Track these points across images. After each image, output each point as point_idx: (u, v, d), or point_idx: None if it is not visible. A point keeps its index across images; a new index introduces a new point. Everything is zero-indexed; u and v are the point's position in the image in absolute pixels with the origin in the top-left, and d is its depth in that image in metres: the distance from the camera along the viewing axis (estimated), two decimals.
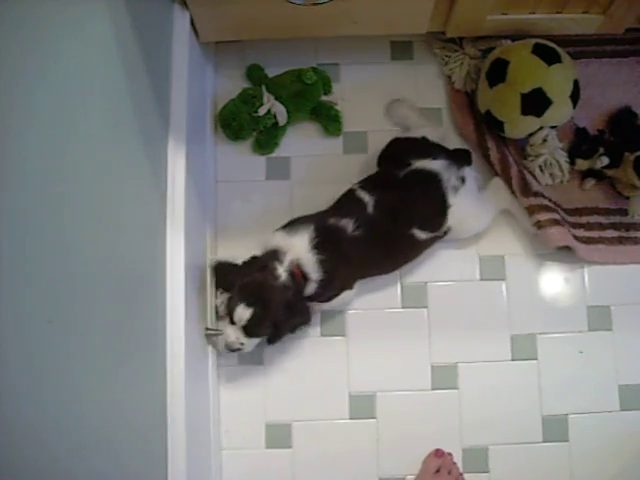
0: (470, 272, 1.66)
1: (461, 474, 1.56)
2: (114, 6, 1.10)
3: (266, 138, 1.69)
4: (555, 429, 1.60)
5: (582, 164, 1.66)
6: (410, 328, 1.63)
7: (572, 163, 1.67)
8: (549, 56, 1.54)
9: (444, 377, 1.61)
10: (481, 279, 1.66)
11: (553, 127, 1.62)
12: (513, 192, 1.64)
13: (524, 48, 1.56)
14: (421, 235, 1.50)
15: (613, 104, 1.73)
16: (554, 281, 1.67)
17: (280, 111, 1.64)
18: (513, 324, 1.63)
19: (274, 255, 1.42)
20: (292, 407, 1.59)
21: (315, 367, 1.61)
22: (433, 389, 1.61)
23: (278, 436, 1.58)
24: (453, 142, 1.68)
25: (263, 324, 1.40)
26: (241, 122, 1.64)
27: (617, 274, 1.66)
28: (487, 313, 1.65)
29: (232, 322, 1.41)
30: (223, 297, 1.54)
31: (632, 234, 1.65)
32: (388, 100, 1.74)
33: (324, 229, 1.45)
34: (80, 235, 0.93)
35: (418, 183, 1.51)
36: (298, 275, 1.41)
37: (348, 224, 1.45)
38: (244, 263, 1.49)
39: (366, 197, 1.48)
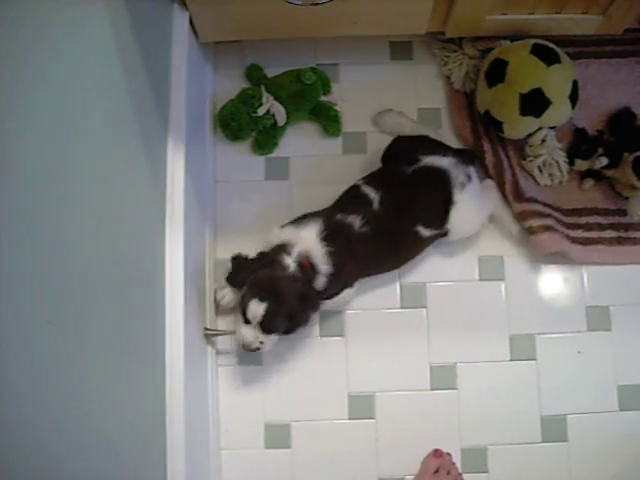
0: (469, 272, 1.66)
1: (460, 474, 1.56)
2: (113, 6, 1.10)
3: (265, 138, 1.69)
4: (554, 429, 1.60)
5: (581, 164, 1.67)
6: (409, 328, 1.63)
7: (571, 163, 1.67)
8: (548, 56, 1.54)
9: (443, 377, 1.61)
10: (480, 279, 1.66)
11: (552, 127, 1.62)
12: (506, 197, 1.65)
13: (523, 48, 1.56)
14: (425, 232, 1.50)
15: (612, 104, 1.74)
16: (553, 281, 1.67)
17: (279, 111, 1.64)
18: (512, 324, 1.64)
19: (281, 248, 1.42)
20: (291, 407, 1.59)
21: (314, 367, 1.61)
22: (432, 389, 1.61)
23: (277, 436, 1.58)
24: (451, 143, 1.67)
25: (278, 317, 1.38)
26: (240, 122, 1.64)
27: (616, 274, 1.66)
28: (486, 313, 1.65)
29: (246, 321, 1.39)
30: (224, 291, 1.54)
31: (631, 234, 1.66)
32: (388, 100, 1.73)
33: (333, 223, 1.45)
34: (80, 235, 0.93)
35: (427, 179, 1.51)
36: (307, 266, 1.40)
37: (355, 220, 1.45)
38: (252, 260, 1.47)
39: (372, 193, 1.48)
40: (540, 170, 1.66)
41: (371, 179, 1.53)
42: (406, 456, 1.58)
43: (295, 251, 1.40)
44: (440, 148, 1.57)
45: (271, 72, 1.71)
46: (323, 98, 1.72)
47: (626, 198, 1.66)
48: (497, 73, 1.57)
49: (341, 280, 1.47)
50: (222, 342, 1.60)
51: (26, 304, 0.76)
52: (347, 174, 1.65)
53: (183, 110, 1.41)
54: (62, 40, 0.90)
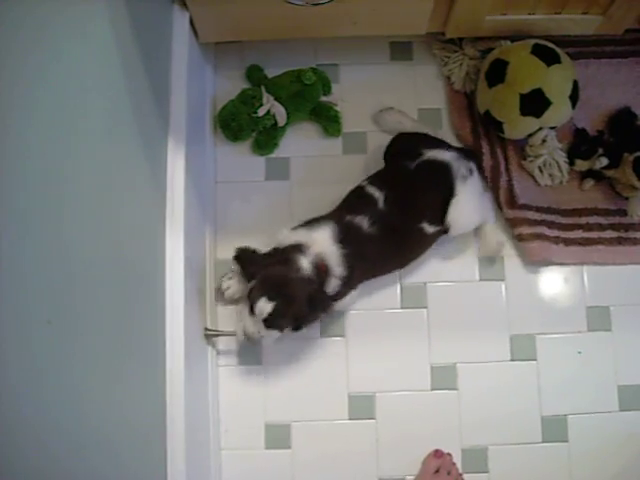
0: (469, 273, 1.66)
1: (460, 474, 1.56)
2: (114, 6, 1.10)
3: (265, 139, 1.69)
4: (554, 429, 1.60)
5: (581, 165, 1.67)
6: (409, 329, 1.63)
7: (571, 164, 1.67)
8: (548, 57, 1.54)
9: (443, 377, 1.61)
10: (480, 280, 1.66)
11: (552, 128, 1.62)
12: (499, 202, 1.66)
13: (523, 49, 1.56)
14: (429, 229, 1.50)
15: (612, 105, 1.74)
16: (553, 281, 1.67)
17: (279, 112, 1.64)
18: (512, 324, 1.64)
19: (296, 249, 1.40)
20: (291, 407, 1.59)
21: (314, 367, 1.61)
22: (432, 389, 1.61)
23: (277, 436, 1.58)
24: (451, 143, 1.68)
25: (284, 319, 1.37)
26: (240, 123, 1.64)
27: (616, 275, 1.66)
28: (486, 314, 1.65)
29: (252, 312, 1.38)
30: (230, 282, 1.53)
31: (631, 235, 1.66)
32: (388, 100, 1.73)
33: (345, 225, 1.44)
34: (80, 235, 0.93)
35: (431, 173, 1.51)
36: (322, 268, 1.39)
37: (363, 221, 1.44)
38: (265, 254, 1.45)
39: (376, 193, 1.47)
40: (540, 170, 1.66)
41: (375, 179, 1.53)
42: (406, 456, 1.58)
43: (312, 252, 1.39)
44: (442, 143, 1.58)
45: (271, 72, 1.71)
46: (323, 98, 1.72)
47: (626, 198, 1.66)
48: (497, 73, 1.57)
49: (350, 283, 1.46)
50: (222, 342, 1.60)
51: (26, 304, 0.76)
52: (347, 174, 1.66)
53: (183, 110, 1.41)
54: (62, 40, 0.90)
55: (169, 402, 1.26)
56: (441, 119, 1.76)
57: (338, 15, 1.45)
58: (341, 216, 1.46)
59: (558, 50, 1.56)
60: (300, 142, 1.73)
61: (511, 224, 1.65)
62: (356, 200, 1.51)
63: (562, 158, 1.65)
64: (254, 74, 1.72)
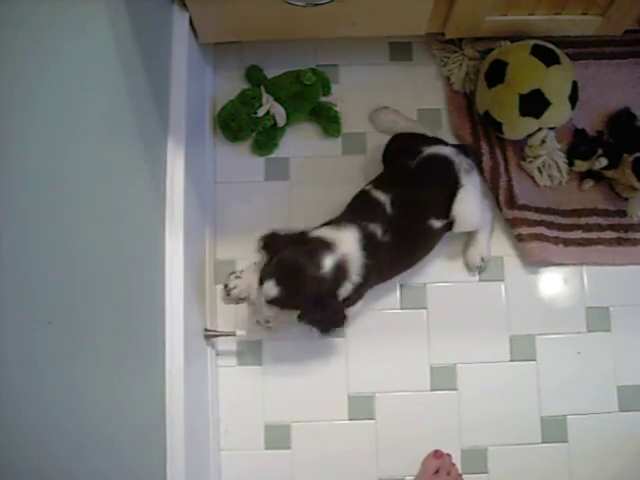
0: (469, 273, 1.66)
1: (460, 475, 1.56)
2: (113, 6, 1.10)
3: (265, 139, 1.69)
4: (554, 430, 1.60)
5: (581, 165, 1.67)
6: (409, 329, 1.63)
7: (571, 164, 1.67)
8: (548, 57, 1.54)
9: (443, 378, 1.61)
10: (480, 280, 1.66)
11: (552, 128, 1.62)
12: (498, 203, 1.66)
13: (523, 49, 1.56)
14: (436, 224, 1.48)
15: (612, 105, 1.74)
16: (553, 282, 1.67)
17: (279, 112, 1.64)
18: (512, 325, 1.64)
19: (326, 245, 1.36)
20: (291, 408, 1.59)
21: (314, 368, 1.61)
22: (432, 390, 1.61)
23: (277, 437, 1.58)
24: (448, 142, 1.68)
25: (285, 307, 1.36)
26: (240, 123, 1.64)
27: (616, 275, 1.66)
28: (486, 314, 1.65)
29: (260, 287, 1.35)
30: (237, 282, 1.53)
31: (631, 235, 1.66)
32: (387, 101, 1.73)
33: (365, 232, 1.40)
34: (79, 236, 0.93)
35: (433, 167, 1.50)
36: (342, 271, 1.35)
37: (377, 229, 1.41)
38: (292, 235, 1.41)
39: (382, 197, 1.45)
40: (540, 171, 1.66)
41: (379, 182, 1.51)
42: (406, 457, 1.58)
43: (338, 252, 1.35)
44: (439, 140, 1.58)
45: (271, 73, 1.71)
46: (323, 99, 1.72)
47: (626, 199, 1.66)
48: (497, 74, 1.57)
49: (360, 290, 1.43)
50: (222, 343, 1.60)
51: (26, 304, 0.76)
52: (347, 175, 1.66)
53: (183, 111, 1.40)
54: (62, 40, 0.90)
55: (169, 402, 1.25)
56: (440, 119, 1.76)
57: (338, 16, 1.45)
58: (359, 222, 1.41)
59: (558, 51, 1.56)
60: (300, 142, 1.73)
61: (510, 224, 1.65)
62: (366, 206, 1.47)
63: (561, 159, 1.66)
64: (254, 74, 1.72)
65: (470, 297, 1.65)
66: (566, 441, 1.60)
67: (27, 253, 0.77)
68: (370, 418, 1.60)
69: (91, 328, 0.95)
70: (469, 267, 1.65)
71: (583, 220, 1.67)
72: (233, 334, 1.53)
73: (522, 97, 1.54)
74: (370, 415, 1.60)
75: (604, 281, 1.66)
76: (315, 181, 1.70)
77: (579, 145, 1.67)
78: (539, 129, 1.60)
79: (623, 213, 1.67)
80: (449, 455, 1.57)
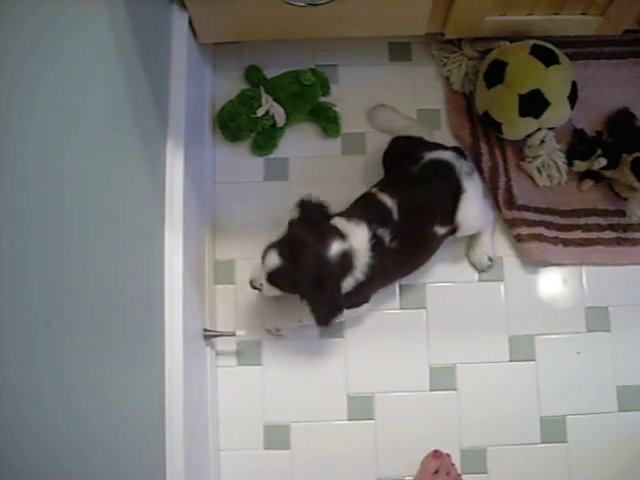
0: (468, 273, 1.67)
1: (459, 475, 1.56)
2: (113, 7, 1.10)
3: (264, 139, 1.69)
4: (553, 430, 1.60)
5: (580, 165, 1.67)
6: (408, 329, 1.63)
7: (570, 164, 1.67)
8: (547, 57, 1.54)
9: (442, 378, 1.61)
10: (479, 280, 1.66)
11: (551, 128, 1.63)
12: (497, 203, 1.66)
13: (522, 49, 1.56)
14: (440, 230, 1.48)
15: (611, 105, 1.74)
16: (552, 282, 1.67)
17: (278, 112, 1.64)
18: (511, 325, 1.64)
19: (339, 233, 1.36)
20: (290, 408, 1.59)
21: (313, 368, 1.61)
22: (431, 390, 1.61)
23: (276, 437, 1.58)
24: (450, 144, 1.67)
25: (283, 281, 1.35)
26: (239, 123, 1.64)
27: (615, 275, 1.66)
28: (485, 314, 1.65)
29: (263, 259, 1.35)
30: (257, 271, 1.50)
31: (630, 235, 1.66)
32: (387, 101, 1.73)
33: (374, 234, 1.39)
34: (79, 236, 0.93)
35: (436, 173, 1.49)
36: (348, 262, 1.35)
37: (385, 234, 1.40)
38: (311, 209, 1.42)
39: (389, 202, 1.44)
40: (539, 171, 1.66)
41: (384, 185, 1.50)
42: (405, 457, 1.58)
43: (348, 243, 1.35)
44: (437, 145, 1.57)
45: (270, 73, 1.71)
46: (322, 99, 1.72)
47: (625, 199, 1.67)
48: (496, 74, 1.57)
49: (363, 292, 1.43)
50: (221, 343, 1.60)
51: (26, 304, 0.76)
52: (346, 175, 1.66)
53: (182, 111, 1.40)
54: (62, 40, 0.90)
55: (168, 403, 1.25)
56: (440, 120, 1.76)
57: (337, 16, 1.45)
58: (370, 224, 1.40)
59: (557, 51, 1.57)
60: (299, 143, 1.73)
61: (510, 225, 1.65)
62: (374, 208, 1.45)
63: (561, 159, 1.66)
64: (253, 74, 1.72)
65: (469, 297, 1.65)
66: (565, 441, 1.60)
67: (26, 253, 0.77)
68: (369, 418, 1.60)
69: (90, 328, 0.95)
70: (477, 267, 1.65)
71: (582, 220, 1.67)
72: (233, 334, 1.53)
73: (521, 97, 1.54)
74: (369, 415, 1.60)
75: (603, 281, 1.66)
76: (314, 181, 1.70)
77: (578, 145, 1.67)
78: (538, 129, 1.60)
79: (622, 213, 1.67)
80: (448, 455, 1.57)
